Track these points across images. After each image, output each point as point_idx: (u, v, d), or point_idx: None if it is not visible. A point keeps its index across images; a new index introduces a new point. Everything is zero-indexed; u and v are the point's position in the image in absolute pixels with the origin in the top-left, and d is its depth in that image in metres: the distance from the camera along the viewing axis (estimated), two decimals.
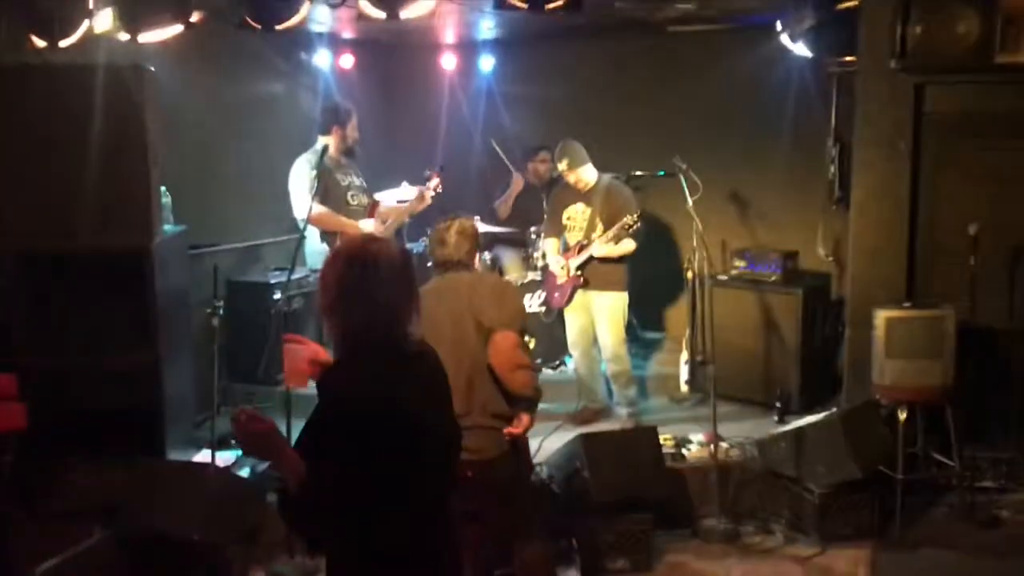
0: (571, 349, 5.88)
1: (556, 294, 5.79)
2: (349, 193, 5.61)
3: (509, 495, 3.68)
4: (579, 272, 5.59)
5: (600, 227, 5.54)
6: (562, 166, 5.63)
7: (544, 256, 6.44)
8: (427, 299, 3.68)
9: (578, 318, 5.72)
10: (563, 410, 5.72)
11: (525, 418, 3.71)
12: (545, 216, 6.15)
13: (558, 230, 5.83)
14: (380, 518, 2.22)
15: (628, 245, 5.48)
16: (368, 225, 5.55)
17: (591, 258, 5.52)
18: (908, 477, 4.57)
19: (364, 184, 5.78)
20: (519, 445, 3.77)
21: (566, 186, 5.78)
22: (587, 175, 5.62)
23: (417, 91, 7.96)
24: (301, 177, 5.44)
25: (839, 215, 5.84)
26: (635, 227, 5.36)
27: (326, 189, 5.42)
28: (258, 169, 6.55)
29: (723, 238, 6.76)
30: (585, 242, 5.58)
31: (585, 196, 5.65)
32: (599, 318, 5.61)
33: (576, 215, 5.68)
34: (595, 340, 5.71)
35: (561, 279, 5.70)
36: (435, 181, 6.07)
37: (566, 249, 5.77)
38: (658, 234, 5.85)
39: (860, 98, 5.16)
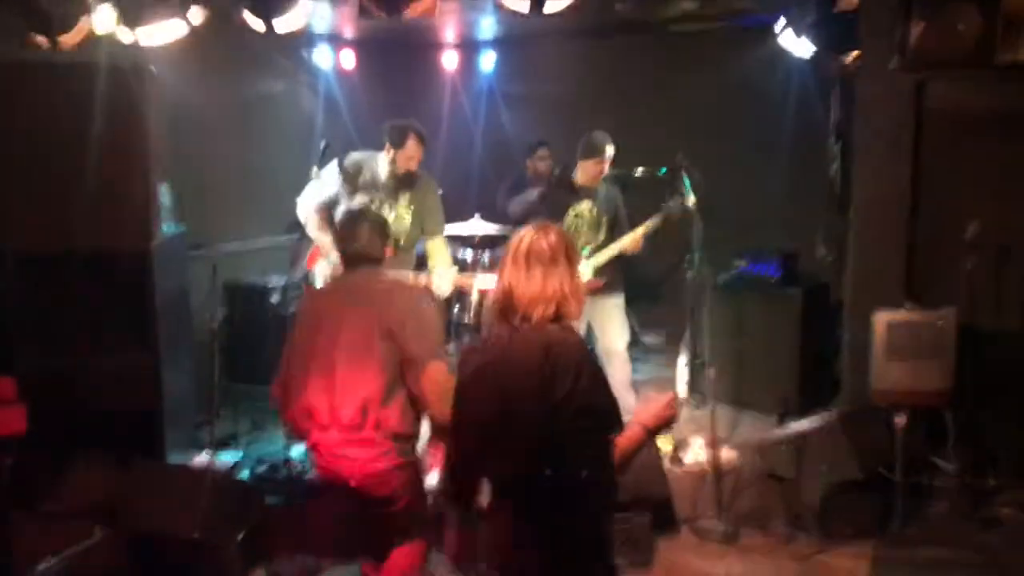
0: None
1: None
2: None
3: (401, 510, 3.47)
4: (598, 275, 5.35)
5: (605, 226, 5.43)
6: (610, 152, 5.38)
7: None
8: (334, 297, 3.57)
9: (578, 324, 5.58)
10: None
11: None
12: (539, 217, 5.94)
13: None
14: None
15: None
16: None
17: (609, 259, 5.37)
18: (907, 479, 4.56)
19: (401, 222, 5.10)
20: (414, 468, 3.55)
21: (565, 184, 5.61)
22: None
23: (418, 89, 7.97)
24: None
25: (839, 215, 5.84)
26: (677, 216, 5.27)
27: (333, 204, 5.03)
28: (258, 169, 6.57)
29: (723, 238, 6.75)
30: (597, 244, 5.40)
31: (590, 194, 5.49)
32: (610, 322, 5.44)
33: (584, 213, 5.47)
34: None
35: None
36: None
37: None
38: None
39: (860, 97, 5.14)
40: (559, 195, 5.64)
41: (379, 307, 3.36)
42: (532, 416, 2.52)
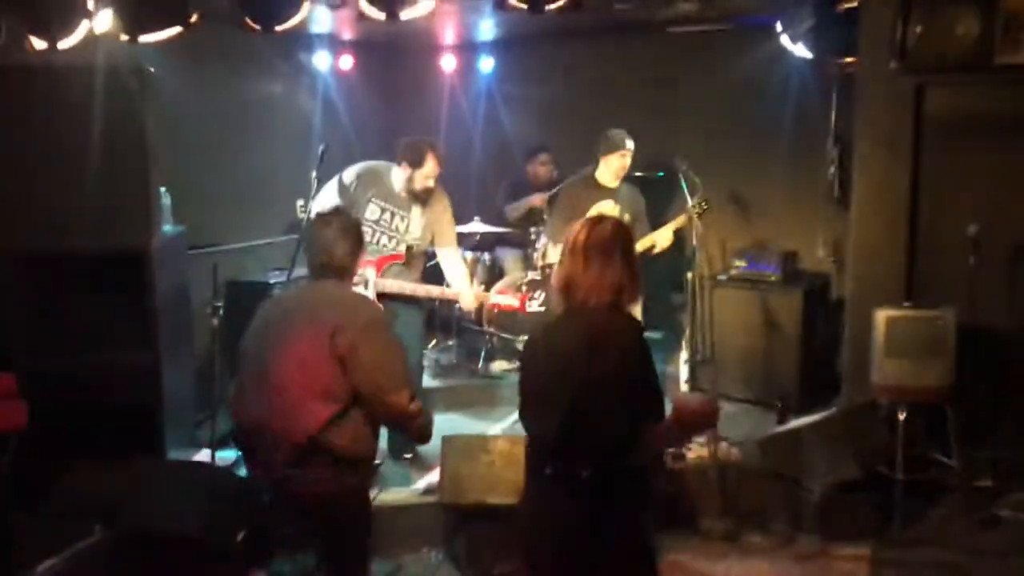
0: None
1: None
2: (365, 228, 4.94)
3: (346, 533, 3.41)
4: None
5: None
6: (630, 144, 5.46)
7: (545, 256, 6.42)
8: (291, 311, 3.34)
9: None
10: None
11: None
12: (556, 216, 5.87)
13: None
14: None
15: None
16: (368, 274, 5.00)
17: None
18: (908, 477, 4.56)
19: (412, 233, 5.07)
20: (362, 493, 3.47)
21: (586, 184, 5.64)
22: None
23: (417, 92, 7.98)
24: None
25: (839, 215, 5.85)
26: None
27: (347, 207, 4.82)
28: (257, 169, 6.57)
29: (723, 238, 6.75)
30: None
31: (612, 194, 5.53)
32: None
33: (606, 212, 5.45)
34: None
35: None
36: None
37: None
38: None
39: (860, 98, 5.16)
40: (579, 193, 5.66)
41: (334, 329, 3.17)
42: (566, 390, 2.61)
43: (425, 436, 3.46)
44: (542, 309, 6.40)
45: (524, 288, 6.26)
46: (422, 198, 5.04)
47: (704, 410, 2.65)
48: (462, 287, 5.15)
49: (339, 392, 3.19)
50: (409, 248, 5.09)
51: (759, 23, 5.98)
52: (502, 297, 5.28)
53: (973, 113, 5.03)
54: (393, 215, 5.04)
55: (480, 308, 5.88)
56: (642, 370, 2.64)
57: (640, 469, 2.67)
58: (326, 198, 5.01)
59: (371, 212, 5.02)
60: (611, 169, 5.50)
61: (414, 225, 5.06)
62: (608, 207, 5.50)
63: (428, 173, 4.93)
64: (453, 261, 5.21)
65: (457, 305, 5.45)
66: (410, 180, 4.95)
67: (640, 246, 5.38)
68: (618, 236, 2.74)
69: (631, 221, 5.45)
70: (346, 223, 3.44)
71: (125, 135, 4.44)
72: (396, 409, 3.25)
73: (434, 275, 5.54)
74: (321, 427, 3.17)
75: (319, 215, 3.53)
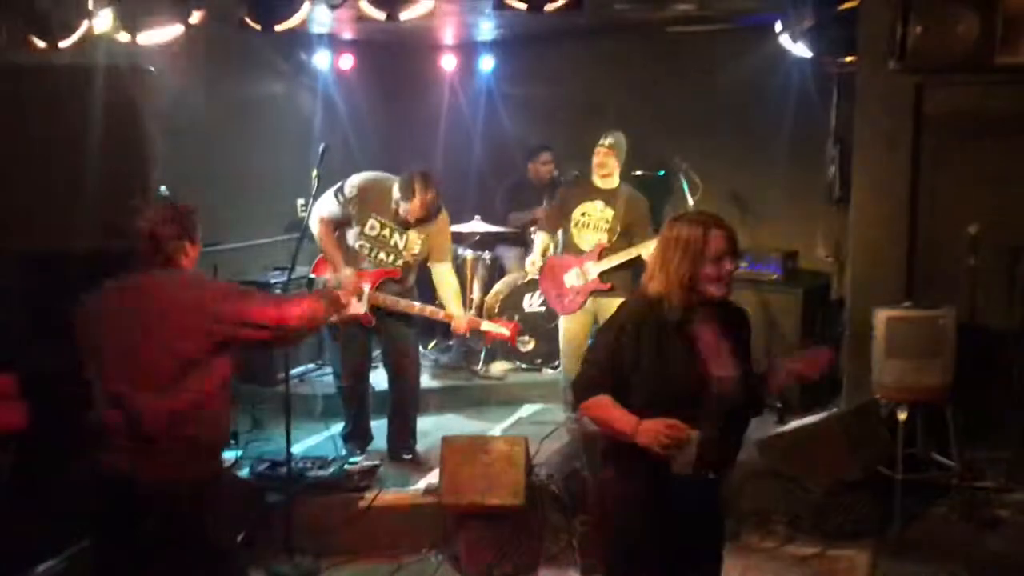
0: (567, 355, 5.57)
1: (568, 299, 5.51)
2: (360, 243, 5.05)
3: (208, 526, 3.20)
4: (605, 279, 5.37)
5: (619, 230, 5.38)
6: (605, 141, 5.39)
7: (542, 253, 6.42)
8: (120, 299, 3.28)
9: (582, 324, 5.49)
10: (562, 411, 5.71)
11: None
12: (549, 210, 5.92)
13: (557, 225, 5.64)
14: None
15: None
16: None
17: (619, 264, 5.36)
18: (908, 477, 4.56)
19: (411, 250, 5.08)
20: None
21: (580, 182, 5.63)
22: (615, 169, 5.43)
23: (417, 92, 7.98)
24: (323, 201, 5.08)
25: (839, 215, 5.85)
26: None
27: (346, 218, 5.05)
28: (258, 169, 6.57)
29: None
30: (607, 246, 5.37)
31: (605, 195, 5.44)
32: None
33: (593, 212, 5.44)
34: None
35: (575, 283, 5.48)
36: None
37: (564, 248, 5.62)
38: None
39: (860, 98, 5.16)
40: (569, 191, 5.68)
41: (196, 304, 3.07)
42: None
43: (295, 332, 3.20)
44: (542, 309, 6.41)
45: (517, 315, 6.32)
46: (408, 225, 5.03)
47: (661, 427, 2.85)
48: (455, 310, 5.14)
49: (216, 373, 3.08)
50: (406, 263, 5.10)
51: (759, 23, 5.98)
52: (493, 326, 5.24)
53: (973, 113, 5.03)
54: (392, 231, 5.04)
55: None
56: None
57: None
58: (325, 205, 5.03)
59: (370, 227, 5.03)
60: (594, 167, 5.46)
61: (412, 242, 5.07)
62: (595, 208, 5.43)
63: (413, 209, 4.90)
64: (446, 279, 5.20)
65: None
66: (397, 204, 4.95)
67: (622, 257, 5.36)
68: (671, 232, 3.01)
69: (626, 226, 5.40)
70: (172, 212, 3.26)
71: (125, 135, 4.45)
72: (266, 319, 3.07)
73: (424, 278, 5.51)
74: (184, 413, 3.03)
75: (151, 207, 3.33)
